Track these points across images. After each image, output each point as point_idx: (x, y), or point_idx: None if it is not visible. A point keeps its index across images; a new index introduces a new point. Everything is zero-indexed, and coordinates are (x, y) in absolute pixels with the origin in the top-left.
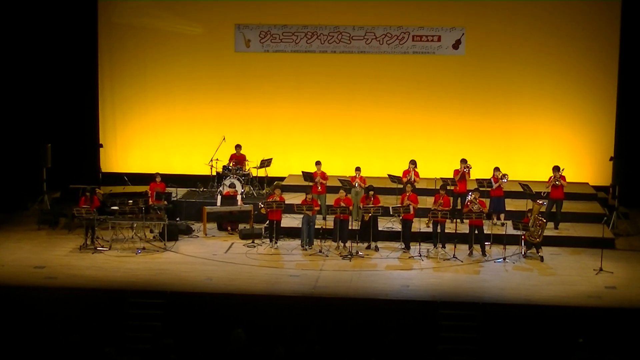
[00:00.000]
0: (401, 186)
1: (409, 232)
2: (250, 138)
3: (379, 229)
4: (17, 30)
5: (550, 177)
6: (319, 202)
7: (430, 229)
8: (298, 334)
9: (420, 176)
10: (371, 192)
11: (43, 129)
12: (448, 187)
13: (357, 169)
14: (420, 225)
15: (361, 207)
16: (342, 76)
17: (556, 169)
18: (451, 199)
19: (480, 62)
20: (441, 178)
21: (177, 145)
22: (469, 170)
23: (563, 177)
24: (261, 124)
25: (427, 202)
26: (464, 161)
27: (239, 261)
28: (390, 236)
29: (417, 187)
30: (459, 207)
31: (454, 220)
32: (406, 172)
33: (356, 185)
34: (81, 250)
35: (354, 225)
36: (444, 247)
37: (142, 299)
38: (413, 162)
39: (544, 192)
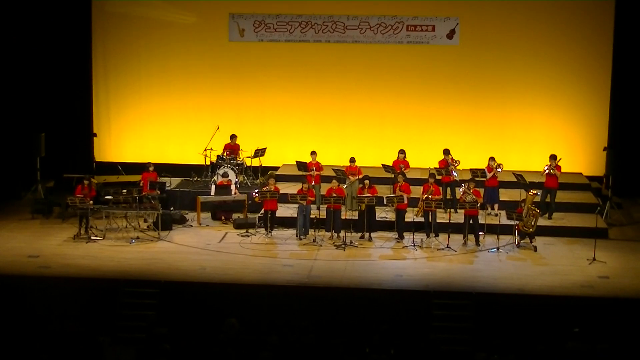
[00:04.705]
0: (393, 176)
1: (403, 222)
2: (244, 127)
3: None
4: (10, 19)
5: (546, 165)
6: (315, 192)
7: (421, 219)
8: (291, 323)
9: (415, 166)
10: (367, 182)
11: (37, 118)
12: (436, 177)
13: (352, 160)
14: (413, 215)
15: (355, 197)
16: (337, 66)
17: (553, 157)
18: (440, 188)
19: (475, 52)
20: (430, 168)
21: (171, 135)
22: (455, 167)
23: (559, 167)
24: (255, 114)
25: (420, 191)
26: (447, 152)
27: (233, 251)
28: (384, 226)
29: (409, 176)
30: (448, 196)
31: (448, 210)
32: (396, 162)
33: (350, 179)
34: (75, 240)
35: (348, 215)
36: (437, 236)
37: (136, 288)
38: (402, 152)
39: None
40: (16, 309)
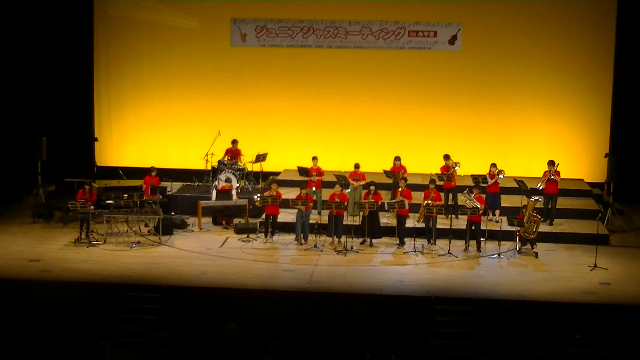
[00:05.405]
0: (393, 181)
1: (404, 228)
2: (245, 132)
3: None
4: (13, 22)
5: (545, 172)
6: (314, 198)
7: (422, 225)
8: (292, 328)
9: (416, 172)
10: (372, 188)
11: (38, 122)
12: (437, 183)
13: (356, 166)
14: (414, 220)
15: (357, 202)
16: (338, 71)
17: (551, 163)
18: (442, 194)
19: (476, 57)
20: (431, 174)
21: (173, 139)
22: (455, 169)
23: (558, 172)
24: (257, 119)
25: (421, 197)
26: (447, 157)
27: (234, 255)
28: (385, 232)
29: (409, 182)
30: (449, 202)
31: (449, 216)
32: (394, 169)
33: (353, 184)
34: (76, 244)
35: (350, 220)
36: (434, 242)
37: (137, 292)
38: (398, 159)
39: (540, 185)
40: (17, 313)
